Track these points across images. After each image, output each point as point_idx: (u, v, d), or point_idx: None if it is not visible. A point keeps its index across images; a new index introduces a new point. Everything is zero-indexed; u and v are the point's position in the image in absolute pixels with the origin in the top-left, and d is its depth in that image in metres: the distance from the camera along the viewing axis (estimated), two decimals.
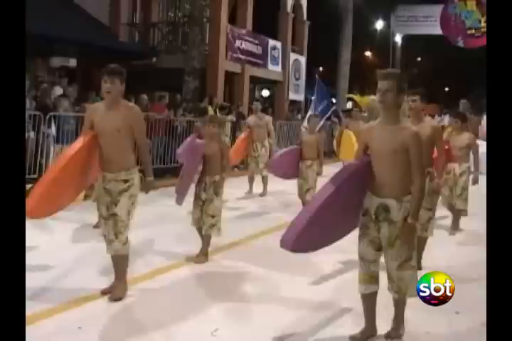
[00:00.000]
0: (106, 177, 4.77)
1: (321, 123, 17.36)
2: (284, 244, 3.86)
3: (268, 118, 11.61)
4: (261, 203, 10.13)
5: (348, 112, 16.97)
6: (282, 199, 10.42)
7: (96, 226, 7.15)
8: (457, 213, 8.01)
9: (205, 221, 6.10)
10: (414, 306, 4.27)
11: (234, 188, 11.38)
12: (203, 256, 6.10)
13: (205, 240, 6.15)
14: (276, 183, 10.88)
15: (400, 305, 4.11)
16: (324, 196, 3.85)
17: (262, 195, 10.96)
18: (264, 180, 11.09)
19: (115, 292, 4.80)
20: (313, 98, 17.05)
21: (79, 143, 4.78)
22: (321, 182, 8.40)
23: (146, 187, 5.01)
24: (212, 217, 6.10)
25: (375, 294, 4.07)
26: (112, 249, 4.82)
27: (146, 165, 5.01)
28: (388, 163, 3.86)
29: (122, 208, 4.75)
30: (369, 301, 4.09)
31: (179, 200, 6.31)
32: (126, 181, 4.77)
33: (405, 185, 3.87)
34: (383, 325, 4.13)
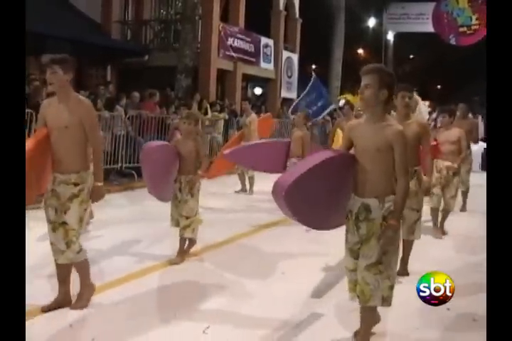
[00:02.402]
0: (56, 179, 4.37)
1: (319, 118, 17.33)
2: (279, 187, 3.58)
3: (252, 117, 11.41)
4: (248, 203, 10.07)
5: (340, 110, 16.97)
6: (269, 198, 10.31)
7: None
8: (446, 214, 7.74)
9: (180, 222, 6.02)
10: (402, 302, 4.30)
11: (224, 186, 11.42)
12: (180, 256, 6.00)
13: (180, 242, 6.05)
14: (265, 182, 10.90)
15: (364, 315, 3.86)
16: (324, 155, 3.69)
17: (249, 193, 11.03)
18: (251, 179, 11.09)
19: (79, 301, 4.52)
20: (302, 94, 17.04)
21: (30, 143, 4.27)
22: None
23: (92, 195, 4.45)
24: (187, 218, 5.99)
25: None
26: (65, 258, 4.40)
27: (96, 167, 4.51)
28: (372, 161, 3.72)
29: (73, 216, 4.33)
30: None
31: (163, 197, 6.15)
32: (76, 184, 4.35)
33: (388, 185, 3.74)
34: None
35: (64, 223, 4.34)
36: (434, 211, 7.65)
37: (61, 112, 4.33)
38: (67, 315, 4.36)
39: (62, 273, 4.52)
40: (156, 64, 17.89)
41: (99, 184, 4.45)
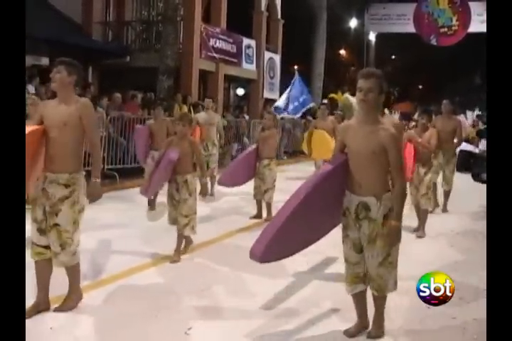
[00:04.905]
0: (47, 178, 4.39)
1: (298, 115, 17.42)
2: (253, 255, 3.83)
3: (218, 117, 11.18)
4: (216, 205, 9.83)
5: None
6: (236, 200, 10.22)
7: None
8: (423, 213, 7.82)
9: (179, 221, 6.13)
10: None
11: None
12: (177, 255, 6.16)
13: (178, 239, 6.20)
14: None
15: (380, 303, 4.15)
16: (293, 205, 3.80)
17: (211, 194, 10.42)
18: (213, 179, 10.69)
19: (66, 302, 4.54)
20: (286, 92, 17.07)
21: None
22: (283, 181, 8.38)
23: (90, 191, 4.46)
24: (186, 216, 6.12)
25: (363, 292, 4.12)
26: (59, 262, 4.42)
27: (94, 163, 4.56)
28: (366, 162, 3.86)
29: (64, 218, 4.33)
30: (359, 299, 4.15)
31: (148, 194, 6.38)
32: (67, 186, 4.36)
33: (384, 183, 3.90)
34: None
35: (56, 225, 4.33)
36: (416, 208, 7.83)
37: (60, 111, 4.38)
38: (47, 317, 4.36)
39: (42, 274, 4.48)
40: (137, 65, 17.81)
41: (96, 180, 4.47)
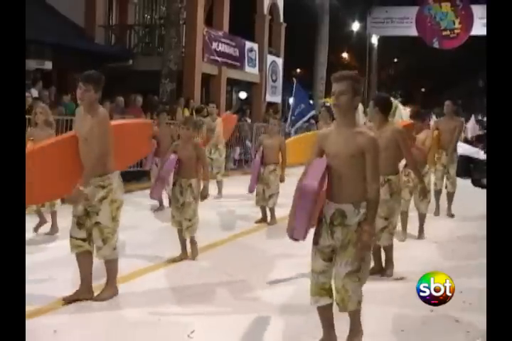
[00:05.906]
0: None
1: (299, 124, 17.63)
2: (296, 234, 3.68)
3: (218, 120, 11.23)
4: (218, 209, 9.72)
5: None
6: (239, 204, 10.16)
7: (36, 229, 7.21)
8: (421, 217, 7.77)
9: (182, 224, 6.22)
10: (385, 303, 4.32)
11: None
12: (193, 253, 6.34)
13: (191, 242, 6.35)
14: (231, 187, 10.92)
15: (351, 319, 3.87)
16: (316, 185, 3.66)
17: (218, 197, 10.65)
18: (219, 184, 10.85)
19: (103, 293, 4.85)
20: (291, 100, 17.27)
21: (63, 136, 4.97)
22: (284, 185, 8.35)
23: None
24: (189, 220, 6.21)
25: (329, 306, 3.83)
26: (101, 255, 4.82)
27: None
28: (345, 167, 3.72)
29: (105, 215, 4.72)
30: (324, 313, 3.86)
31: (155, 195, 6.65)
32: (103, 187, 4.70)
33: (362, 191, 3.72)
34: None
35: (97, 223, 4.73)
36: (402, 214, 7.32)
37: (84, 124, 4.71)
38: (51, 320, 4.36)
39: (83, 266, 4.84)
40: (140, 68, 17.85)
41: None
